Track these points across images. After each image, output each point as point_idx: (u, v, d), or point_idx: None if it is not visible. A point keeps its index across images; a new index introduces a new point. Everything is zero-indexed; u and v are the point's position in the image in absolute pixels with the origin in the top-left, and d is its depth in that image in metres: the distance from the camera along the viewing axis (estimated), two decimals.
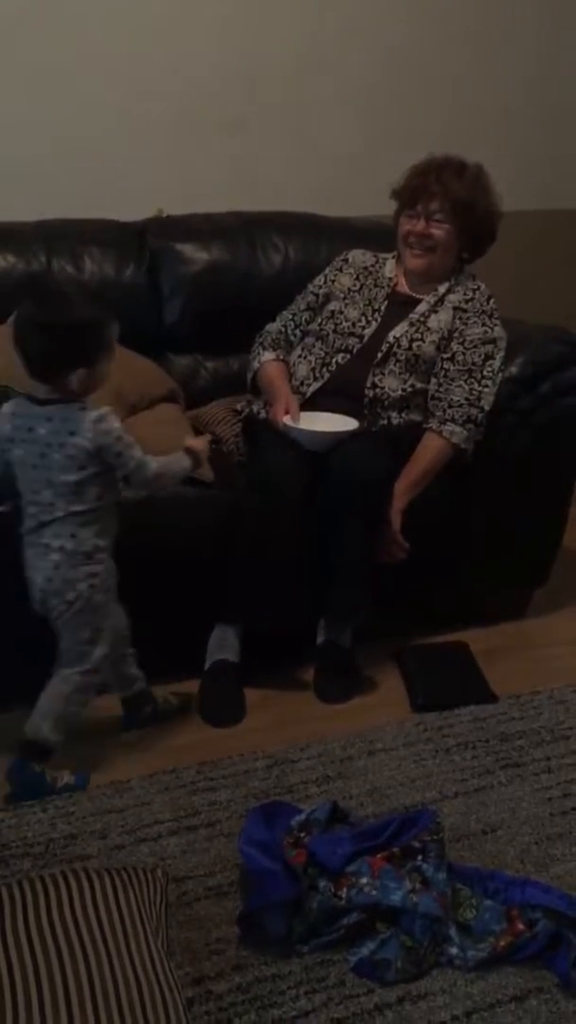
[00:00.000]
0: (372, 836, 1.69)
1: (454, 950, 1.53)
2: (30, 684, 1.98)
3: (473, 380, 2.37)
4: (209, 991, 1.49)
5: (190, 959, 1.54)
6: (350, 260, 2.56)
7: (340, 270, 2.55)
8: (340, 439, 2.21)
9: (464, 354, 2.38)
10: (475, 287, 2.46)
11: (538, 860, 1.76)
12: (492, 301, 2.45)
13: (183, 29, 3.07)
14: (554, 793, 1.95)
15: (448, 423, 2.34)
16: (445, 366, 2.38)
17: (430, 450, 2.34)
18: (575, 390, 2.52)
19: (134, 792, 1.93)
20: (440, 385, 2.38)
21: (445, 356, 2.39)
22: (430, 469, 2.33)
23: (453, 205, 2.37)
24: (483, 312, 2.42)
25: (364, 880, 1.60)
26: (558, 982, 1.49)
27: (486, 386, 2.38)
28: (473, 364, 2.38)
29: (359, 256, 2.56)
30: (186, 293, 2.77)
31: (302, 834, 1.70)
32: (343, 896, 1.58)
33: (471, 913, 1.57)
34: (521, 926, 1.53)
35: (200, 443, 2.03)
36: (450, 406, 2.35)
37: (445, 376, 2.38)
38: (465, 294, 2.44)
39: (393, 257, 2.53)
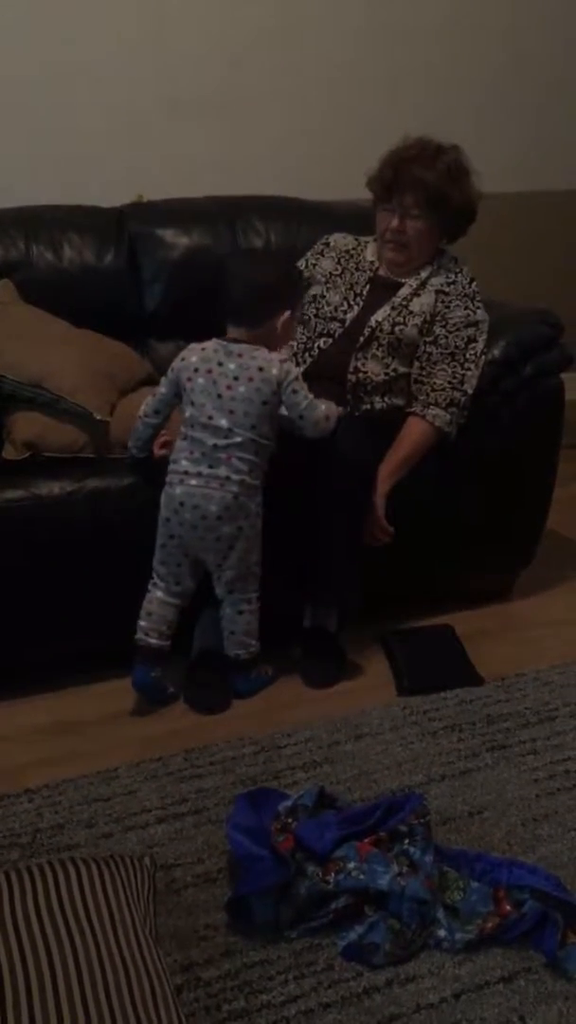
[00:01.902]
0: (359, 820, 1.70)
1: (442, 932, 1.54)
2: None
3: (456, 363, 2.36)
4: (198, 978, 1.49)
5: (179, 946, 1.54)
6: (331, 243, 2.54)
7: (321, 254, 2.53)
8: None
9: (447, 337, 2.37)
10: (457, 270, 2.45)
11: (524, 841, 1.76)
12: (474, 284, 2.44)
13: (162, 13, 3.05)
14: (540, 774, 1.96)
15: (431, 406, 2.33)
16: (428, 349, 2.38)
17: (414, 434, 2.34)
18: (557, 371, 2.52)
19: (121, 780, 1.93)
20: (423, 369, 2.37)
21: (428, 340, 2.38)
22: (414, 453, 2.33)
23: (428, 198, 2.33)
24: (465, 295, 2.41)
25: (352, 864, 1.60)
26: (545, 962, 1.50)
27: (469, 369, 2.37)
28: (456, 347, 2.37)
29: (340, 239, 2.55)
30: (167, 278, 2.76)
31: (289, 820, 1.70)
32: (331, 881, 1.59)
33: (458, 895, 1.58)
34: (508, 907, 1.54)
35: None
36: (433, 389, 2.34)
37: (428, 360, 2.37)
38: (447, 277, 2.43)
39: (375, 240, 2.51)
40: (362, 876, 1.58)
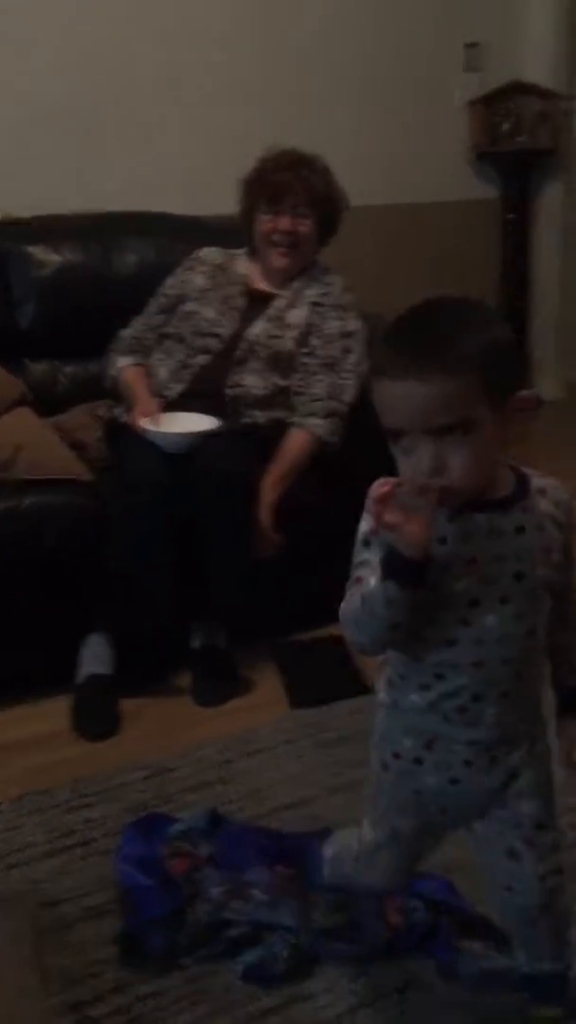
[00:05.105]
0: (284, 846, 1.66)
1: (340, 945, 1.52)
2: None
3: (334, 374, 2.37)
4: (87, 1016, 1.43)
5: (67, 985, 1.48)
6: (201, 258, 2.53)
7: (192, 269, 2.51)
8: (198, 439, 2.19)
9: (323, 348, 2.39)
10: (330, 281, 2.46)
11: None
12: (347, 294, 2.46)
13: (25, 29, 3.00)
14: None
15: (311, 417, 2.34)
16: (305, 361, 2.38)
17: (295, 444, 2.34)
18: None
19: (4, 816, 1.86)
20: (302, 380, 2.38)
21: (305, 351, 2.39)
22: (296, 463, 2.33)
23: (314, 199, 2.38)
24: (339, 306, 2.43)
25: (258, 893, 1.56)
26: (438, 969, 1.49)
27: (347, 379, 2.38)
28: (333, 358, 2.38)
29: (210, 254, 2.53)
30: (38, 297, 2.71)
31: (181, 844, 1.66)
32: (235, 909, 1.55)
33: (354, 916, 1.55)
34: (397, 920, 1.52)
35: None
36: (312, 400, 2.35)
37: (306, 371, 2.38)
38: (321, 289, 2.44)
39: (245, 253, 2.51)
40: (265, 910, 1.54)
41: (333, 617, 2.54)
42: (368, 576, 1.11)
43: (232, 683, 2.32)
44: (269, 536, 2.27)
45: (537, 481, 1.17)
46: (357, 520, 2.55)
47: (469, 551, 1.11)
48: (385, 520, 1.05)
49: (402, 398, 1.05)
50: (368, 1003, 1.45)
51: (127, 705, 2.23)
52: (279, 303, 2.42)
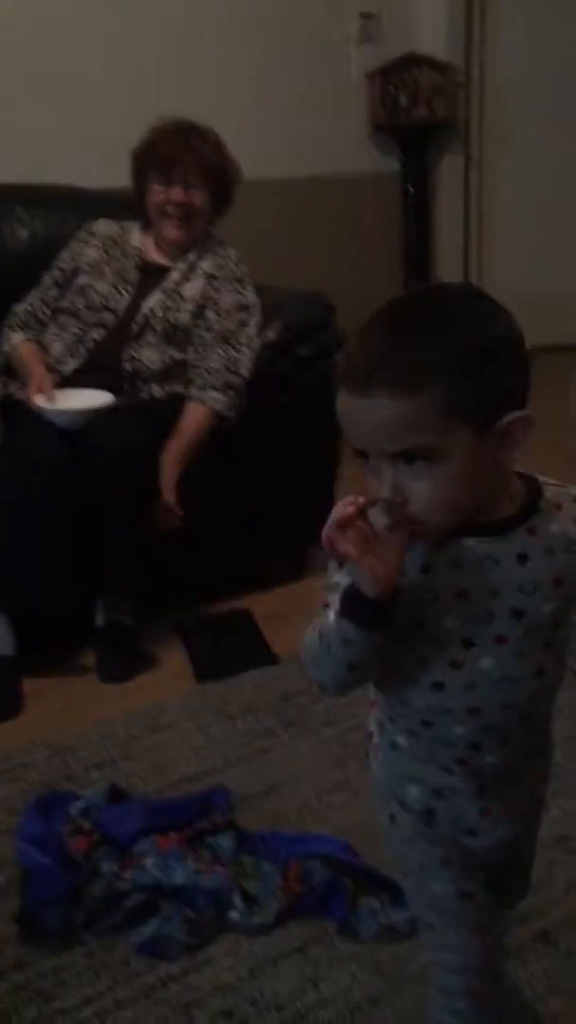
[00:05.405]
0: (168, 813, 1.68)
1: (235, 915, 1.54)
2: None
3: (230, 347, 2.37)
4: None
5: None
6: (94, 231, 2.49)
7: (85, 243, 2.48)
8: (94, 415, 2.17)
9: (219, 322, 2.38)
10: (225, 253, 2.46)
11: (318, 812, 1.79)
12: (242, 267, 2.45)
13: None
14: (332, 745, 1.99)
15: (208, 390, 2.34)
16: (201, 334, 2.37)
17: (193, 418, 2.33)
18: (331, 352, 2.57)
19: None
20: (198, 353, 2.37)
21: (201, 324, 2.38)
22: (195, 437, 2.33)
23: (206, 169, 2.36)
24: (234, 279, 2.42)
25: (149, 860, 1.58)
26: (337, 928, 1.53)
27: (243, 352, 2.38)
28: (229, 331, 2.38)
29: (103, 226, 2.50)
30: None
31: (82, 821, 1.66)
32: (127, 878, 1.56)
33: (254, 884, 1.57)
34: (296, 887, 1.55)
35: None
36: (209, 373, 2.35)
37: (202, 344, 2.37)
38: (216, 261, 2.43)
39: (139, 226, 2.48)
40: (157, 872, 1.56)
41: (236, 590, 2.59)
42: (335, 605, 0.94)
43: (137, 659, 2.32)
44: (172, 511, 2.27)
45: (553, 493, 0.96)
46: (258, 494, 2.58)
47: (457, 583, 0.93)
48: (337, 549, 0.89)
49: (355, 414, 0.88)
50: (268, 964, 1.47)
51: (29, 685, 2.21)
52: (174, 276, 2.41)
